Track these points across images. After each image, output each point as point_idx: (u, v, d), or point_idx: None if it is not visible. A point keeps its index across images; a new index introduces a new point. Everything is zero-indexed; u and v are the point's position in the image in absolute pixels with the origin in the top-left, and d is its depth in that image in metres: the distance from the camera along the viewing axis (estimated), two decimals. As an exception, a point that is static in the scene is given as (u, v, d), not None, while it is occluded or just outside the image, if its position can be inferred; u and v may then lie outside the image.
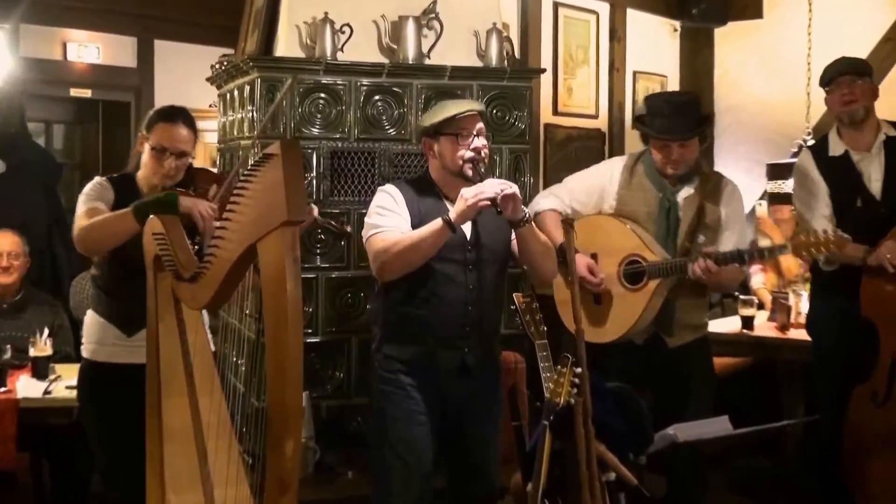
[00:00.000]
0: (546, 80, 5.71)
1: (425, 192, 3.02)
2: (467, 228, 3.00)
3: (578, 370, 2.79)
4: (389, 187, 3.04)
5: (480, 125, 2.99)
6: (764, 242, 5.37)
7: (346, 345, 4.03)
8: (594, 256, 3.59)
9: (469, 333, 2.99)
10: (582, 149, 5.97)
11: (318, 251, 4.00)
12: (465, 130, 2.96)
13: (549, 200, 3.66)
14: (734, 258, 3.38)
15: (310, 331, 3.95)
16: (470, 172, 2.94)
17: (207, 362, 2.60)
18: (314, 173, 3.93)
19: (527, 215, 2.92)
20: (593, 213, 3.63)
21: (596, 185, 3.67)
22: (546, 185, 5.64)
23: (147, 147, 3.16)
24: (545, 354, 3.11)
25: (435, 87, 4.13)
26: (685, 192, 3.55)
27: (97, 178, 3.21)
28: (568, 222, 2.99)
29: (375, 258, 2.93)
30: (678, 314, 3.54)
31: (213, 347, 2.94)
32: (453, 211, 2.84)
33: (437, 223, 2.85)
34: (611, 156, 6.16)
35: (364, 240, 3.00)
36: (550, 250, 3.09)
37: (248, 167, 1.88)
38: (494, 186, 2.83)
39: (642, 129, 3.57)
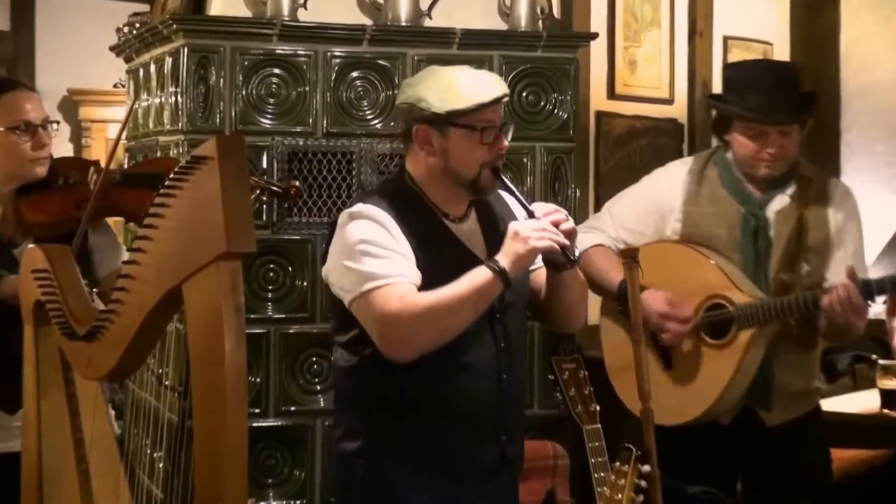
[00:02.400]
0: (599, 49, 5.72)
1: (414, 210, 2.93)
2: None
3: (646, 468, 2.78)
4: (373, 211, 2.87)
5: (500, 114, 2.95)
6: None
7: (310, 431, 4.02)
8: None
9: (508, 413, 2.96)
10: (651, 147, 5.97)
11: (270, 294, 4.01)
12: (490, 123, 2.89)
13: (590, 237, 3.68)
14: (881, 288, 3.39)
15: (257, 411, 3.95)
16: (489, 183, 2.93)
17: (110, 456, 2.59)
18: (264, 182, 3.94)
19: (576, 256, 2.89)
20: (652, 242, 3.65)
21: (651, 204, 3.71)
22: (598, 200, 5.64)
23: None
24: (598, 445, 3.09)
25: (438, 60, 4.14)
26: (778, 203, 3.59)
27: None
28: (631, 255, 2.99)
29: (388, 327, 2.76)
30: (779, 378, 3.56)
31: (117, 431, 2.93)
32: (504, 255, 2.78)
33: (485, 275, 2.77)
34: (692, 155, 6.16)
35: (349, 297, 2.82)
36: (586, 292, 3.11)
37: (171, 175, 1.89)
38: (554, 221, 2.79)
39: (726, 108, 3.59)
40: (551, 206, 2.87)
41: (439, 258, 2.84)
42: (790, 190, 3.59)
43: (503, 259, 2.76)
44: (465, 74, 2.97)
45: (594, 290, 3.55)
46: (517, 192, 2.93)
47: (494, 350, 2.92)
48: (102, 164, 3.37)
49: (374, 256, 2.80)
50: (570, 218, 2.85)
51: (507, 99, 2.92)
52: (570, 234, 2.82)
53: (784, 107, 3.49)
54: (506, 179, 2.92)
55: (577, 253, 2.89)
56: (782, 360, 3.56)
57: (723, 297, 3.52)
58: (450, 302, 2.76)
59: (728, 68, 3.76)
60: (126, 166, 4.70)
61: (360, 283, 2.79)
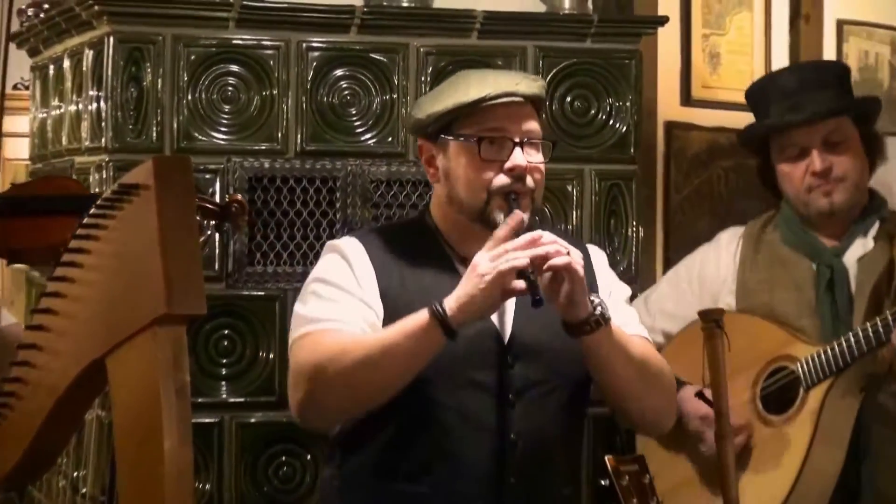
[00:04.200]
0: (669, 38, 5.73)
1: (421, 251, 3.01)
2: (507, 318, 2.99)
3: None
4: (345, 242, 3.03)
5: (532, 124, 2.98)
6: None
7: (278, 555, 4.02)
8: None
9: None
10: (739, 170, 5.96)
11: (225, 370, 4.00)
12: (498, 131, 2.94)
13: None
14: None
15: (207, 528, 3.95)
16: (500, 216, 2.91)
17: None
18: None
19: (598, 310, 2.85)
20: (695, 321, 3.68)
21: (696, 277, 3.83)
22: (668, 242, 5.65)
23: None
24: (668, 574, 3.10)
25: (453, 53, 4.16)
26: (858, 248, 3.67)
27: None
28: (713, 318, 2.99)
29: (298, 380, 2.89)
30: (880, 473, 3.55)
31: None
32: (453, 294, 2.78)
33: (420, 318, 2.78)
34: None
35: (289, 345, 3.00)
36: (656, 372, 3.06)
37: (92, 210, 1.90)
38: (537, 244, 2.75)
39: (745, 134, 3.85)
40: (546, 235, 2.81)
41: None
42: (873, 230, 3.68)
43: (451, 299, 2.76)
44: (483, 74, 3.05)
45: None
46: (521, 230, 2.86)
47: (499, 442, 2.93)
48: None
49: (320, 297, 2.94)
50: (569, 255, 2.77)
51: (510, 99, 2.91)
52: (558, 273, 2.75)
53: (810, 102, 3.64)
54: (518, 210, 2.87)
55: (598, 311, 2.83)
56: (883, 435, 3.56)
57: (783, 357, 3.58)
58: (366, 350, 2.80)
59: (751, 89, 3.95)
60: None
61: (296, 330, 2.93)
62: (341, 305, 2.92)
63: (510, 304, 2.93)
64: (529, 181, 2.91)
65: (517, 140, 2.92)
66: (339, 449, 3.05)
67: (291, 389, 2.92)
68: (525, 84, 2.96)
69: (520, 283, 2.71)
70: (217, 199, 3.88)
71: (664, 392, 3.07)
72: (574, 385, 3.03)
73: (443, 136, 2.96)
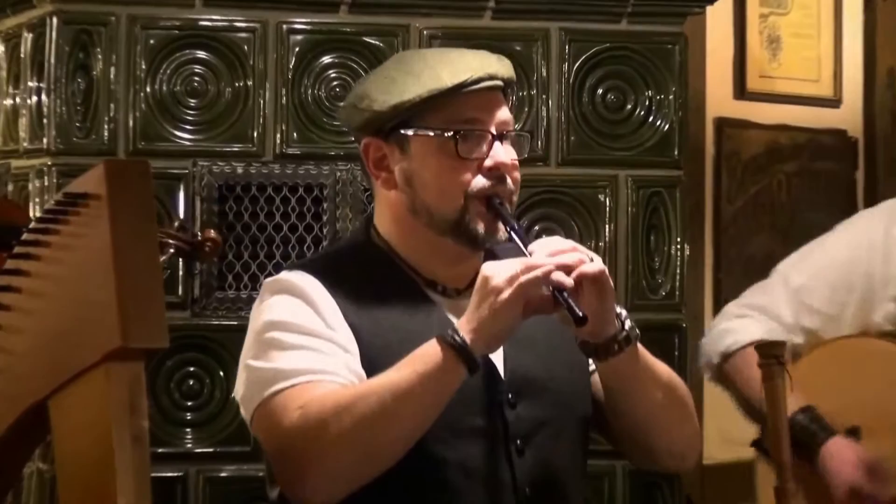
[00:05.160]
0: (720, 18, 5.75)
1: (379, 278, 2.96)
2: (497, 352, 2.92)
3: None
4: (294, 277, 2.93)
5: (506, 113, 2.96)
6: None
7: None
8: (854, 432, 3.58)
9: None
10: (804, 176, 5.98)
11: (190, 414, 4.01)
12: (475, 123, 2.92)
13: (748, 325, 3.68)
14: None
15: None
16: (484, 225, 2.93)
17: None
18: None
19: (627, 327, 2.84)
20: (850, 335, 3.64)
21: (852, 268, 3.69)
22: (719, 260, 5.66)
23: None
24: None
25: (463, 36, 4.17)
26: None
27: None
28: (772, 353, 2.99)
29: (291, 450, 2.81)
30: None
31: None
32: (467, 317, 2.75)
33: (432, 353, 2.74)
34: (872, 190, 6.15)
35: (249, 415, 2.86)
36: (683, 395, 3.06)
37: (32, 225, 1.91)
38: (563, 254, 2.73)
39: None
40: (567, 242, 2.80)
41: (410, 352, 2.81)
42: None
43: (466, 324, 2.73)
44: (441, 53, 3.03)
45: (748, 414, 3.54)
46: (519, 235, 2.85)
47: (510, 499, 2.91)
48: None
49: (283, 347, 2.85)
50: (597, 262, 2.76)
51: (488, 83, 2.88)
52: (591, 284, 2.74)
53: None
54: (508, 215, 2.87)
55: (627, 328, 2.81)
56: None
57: None
58: (377, 401, 2.73)
59: None
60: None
61: (260, 390, 2.82)
62: (316, 354, 2.85)
63: None
64: (509, 182, 2.91)
65: (493, 131, 2.90)
66: None
67: (281, 462, 2.84)
68: (500, 65, 2.95)
69: (546, 296, 2.70)
70: (182, 212, 3.89)
71: (691, 418, 3.05)
72: (580, 423, 3.01)
73: (403, 130, 2.91)
